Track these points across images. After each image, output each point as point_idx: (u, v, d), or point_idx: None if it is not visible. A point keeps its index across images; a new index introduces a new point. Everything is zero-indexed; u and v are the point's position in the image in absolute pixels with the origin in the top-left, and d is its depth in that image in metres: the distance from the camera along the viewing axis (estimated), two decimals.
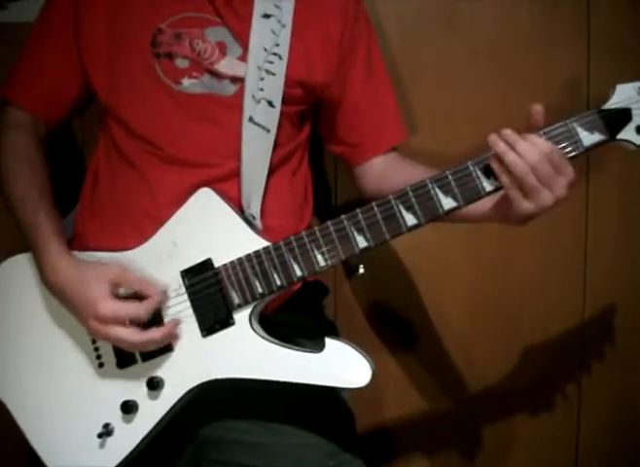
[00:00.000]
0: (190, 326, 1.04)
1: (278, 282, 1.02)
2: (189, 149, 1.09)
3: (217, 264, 1.03)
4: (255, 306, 1.03)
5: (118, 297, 1.02)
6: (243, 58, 1.10)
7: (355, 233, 0.99)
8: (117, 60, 1.10)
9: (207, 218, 1.05)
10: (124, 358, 1.06)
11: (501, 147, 0.92)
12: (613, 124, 0.94)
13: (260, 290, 1.02)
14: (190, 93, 1.09)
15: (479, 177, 0.96)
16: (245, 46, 1.10)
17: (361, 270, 1.47)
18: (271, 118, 1.11)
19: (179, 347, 1.04)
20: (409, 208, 0.97)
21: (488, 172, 0.95)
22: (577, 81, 1.44)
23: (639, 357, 1.52)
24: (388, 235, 0.98)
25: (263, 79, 1.09)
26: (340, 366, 0.99)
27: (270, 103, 1.10)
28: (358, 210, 0.99)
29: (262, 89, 1.09)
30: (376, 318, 1.52)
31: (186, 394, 1.03)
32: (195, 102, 1.09)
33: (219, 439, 1.10)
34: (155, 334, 1.01)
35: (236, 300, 1.02)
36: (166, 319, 1.05)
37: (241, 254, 1.03)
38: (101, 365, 1.07)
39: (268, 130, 1.11)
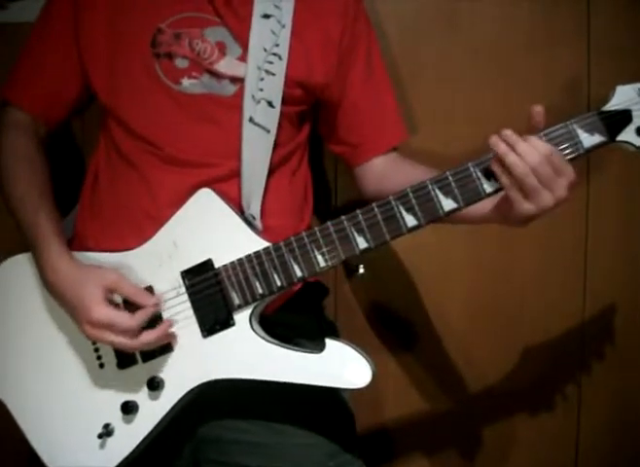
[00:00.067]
0: (190, 327, 1.04)
1: (278, 283, 1.02)
2: (189, 149, 1.09)
3: (217, 264, 1.03)
4: (255, 307, 1.03)
5: (112, 303, 1.02)
6: (243, 59, 1.10)
7: (355, 234, 0.99)
8: (117, 60, 1.10)
9: (207, 218, 1.05)
10: (125, 359, 1.06)
11: (502, 148, 0.92)
12: (613, 125, 0.94)
13: (260, 291, 1.02)
14: (189, 93, 1.09)
15: (479, 178, 0.96)
16: (245, 46, 1.09)
17: (361, 271, 1.47)
18: (271, 118, 1.11)
19: (179, 348, 1.04)
20: (410, 209, 0.97)
21: (489, 173, 0.95)
22: (577, 81, 1.44)
23: (639, 357, 1.52)
24: (388, 236, 0.98)
25: (262, 79, 1.09)
26: (341, 366, 0.99)
27: (270, 103, 1.10)
28: (358, 211, 0.99)
29: (261, 90, 1.09)
30: (377, 319, 1.52)
31: (186, 394, 1.03)
32: (195, 102, 1.09)
33: (218, 439, 1.10)
34: (149, 337, 1.01)
35: (237, 300, 1.03)
36: (165, 319, 1.04)
37: (241, 254, 1.03)
38: (101, 365, 1.07)
39: (268, 131, 1.10)
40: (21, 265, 1.11)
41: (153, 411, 1.04)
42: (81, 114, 1.23)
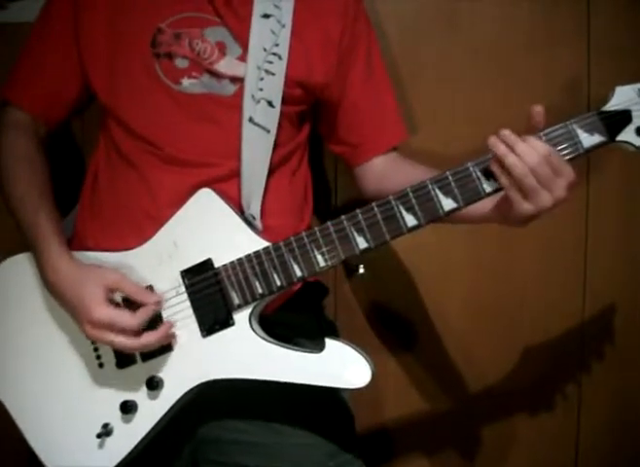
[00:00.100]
0: (189, 326, 1.04)
1: (278, 282, 1.02)
2: (189, 149, 1.09)
3: (217, 264, 1.03)
4: (255, 307, 1.03)
5: (113, 302, 1.02)
6: (243, 58, 1.10)
7: (355, 234, 0.99)
8: (117, 60, 1.10)
9: (207, 218, 1.05)
10: (124, 358, 1.06)
11: (501, 149, 0.92)
12: (613, 125, 0.94)
13: (260, 290, 1.02)
14: (189, 93, 1.09)
15: (479, 178, 0.96)
16: (245, 46, 1.09)
17: (361, 271, 1.47)
18: (271, 118, 1.11)
19: (179, 347, 1.04)
20: (410, 209, 0.97)
21: (488, 173, 0.95)
22: (577, 81, 1.44)
23: (639, 357, 1.52)
24: (388, 236, 0.98)
25: (262, 79, 1.09)
26: (340, 366, 0.99)
27: (270, 103, 1.10)
28: (358, 211, 0.99)
29: (261, 90, 1.09)
30: (376, 318, 1.52)
31: (185, 394, 1.03)
32: (195, 102, 1.09)
33: (217, 439, 1.10)
34: (149, 338, 1.01)
35: (236, 300, 1.03)
36: (165, 320, 1.04)
37: (241, 254, 1.03)
38: (101, 365, 1.07)
39: (268, 131, 1.10)
40: (21, 265, 1.11)
41: (152, 410, 1.04)
42: (81, 114, 1.23)
